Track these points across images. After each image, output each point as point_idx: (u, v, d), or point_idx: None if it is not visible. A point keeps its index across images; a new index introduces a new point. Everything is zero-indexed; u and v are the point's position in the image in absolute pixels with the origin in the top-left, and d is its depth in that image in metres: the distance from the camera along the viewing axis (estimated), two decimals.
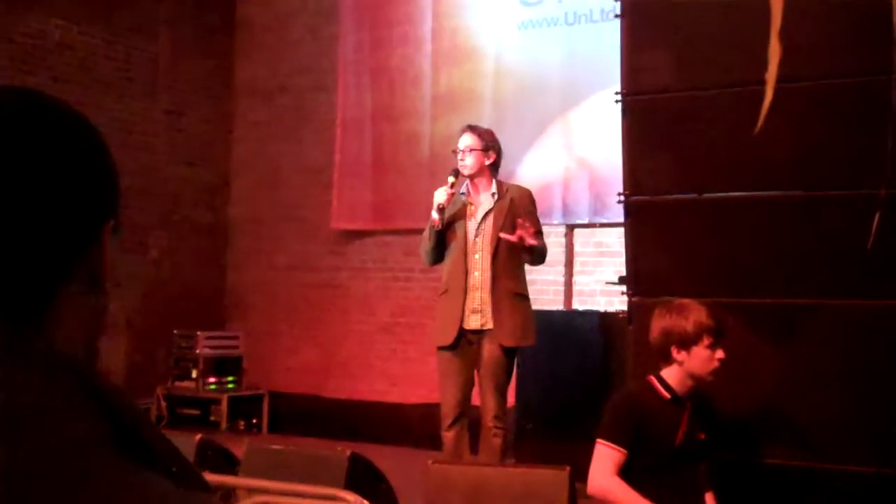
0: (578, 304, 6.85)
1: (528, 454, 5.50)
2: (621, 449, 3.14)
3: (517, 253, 4.65)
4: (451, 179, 4.71)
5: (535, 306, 5.05)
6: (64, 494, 0.67)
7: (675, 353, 3.19)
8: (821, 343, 3.70)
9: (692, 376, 3.20)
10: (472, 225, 4.72)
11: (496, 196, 4.73)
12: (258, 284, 8.52)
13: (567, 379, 5.66)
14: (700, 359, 3.17)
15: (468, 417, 4.72)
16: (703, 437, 3.26)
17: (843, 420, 3.65)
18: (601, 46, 6.04)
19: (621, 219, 4.21)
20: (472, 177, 4.77)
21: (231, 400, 7.78)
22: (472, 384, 4.73)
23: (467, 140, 4.77)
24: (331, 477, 3.15)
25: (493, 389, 4.62)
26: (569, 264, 7.02)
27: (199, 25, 8.55)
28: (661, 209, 4.07)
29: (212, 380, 7.86)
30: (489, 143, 4.77)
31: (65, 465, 0.68)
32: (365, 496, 2.85)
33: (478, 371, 4.70)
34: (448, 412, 4.68)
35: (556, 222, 6.92)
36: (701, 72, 3.96)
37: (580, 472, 3.11)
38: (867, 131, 3.63)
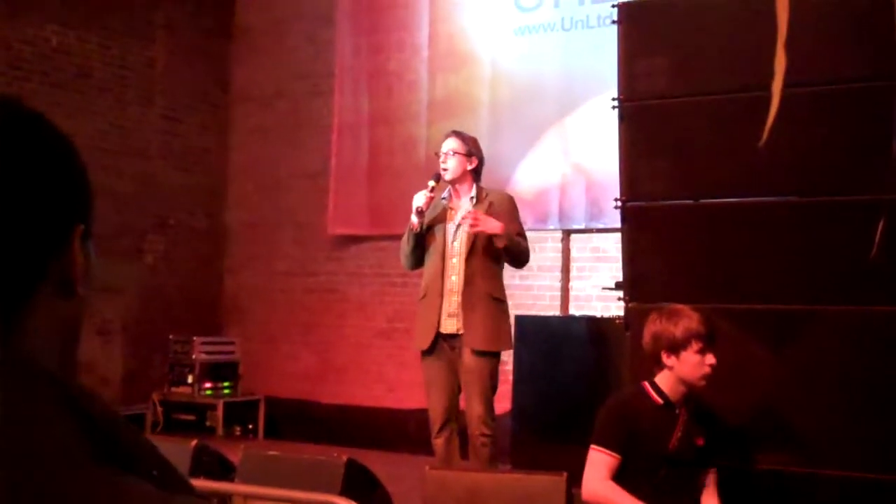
0: (575, 310, 6.83)
1: (524, 460, 5.49)
2: (614, 454, 3.14)
3: (494, 254, 4.65)
4: (430, 184, 4.73)
5: (532, 312, 5.05)
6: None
7: (665, 358, 3.20)
8: (818, 349, 3.70)
9: (683, 382, 3.20)
10: (450, 229, 4.73)
11: (475, 200, 4.74)
12: (254, 289, 8.51)
13: (563, 384, 5.65)
14: (689, 364, 3.17)
15: (457, 423, 4.71)
16: (701, 443, 3.25)
17: (841, 426, 3.65)
18: (598, 52, 6.05)
19: (618, 224, 4.20)
20: (453, 182, 4.78)
21: (227, 405, 7.76)
22: (458, 390, 4.72)
23: (451, 143, 4.79)
24: (327, 483, 3.15)
25: (476, 396, 4.59)
26: (565, 270, 7.01)
27: (196, 31, 8.55)
28: (657, 215, 4.07)
29: (208, 385, 7.84)
30: (472, 149, 4.80)
31: (41, 474, 0.68)
32: (361, 502, 2.85)
33: (460, 378, 4.69)
34: (436, 419, 4.68)
35: (552, 227, 6.91)
36: (698, 77, 3.96)
37: (577, 478, 3.12)
38: (868, 137, 3.63)
